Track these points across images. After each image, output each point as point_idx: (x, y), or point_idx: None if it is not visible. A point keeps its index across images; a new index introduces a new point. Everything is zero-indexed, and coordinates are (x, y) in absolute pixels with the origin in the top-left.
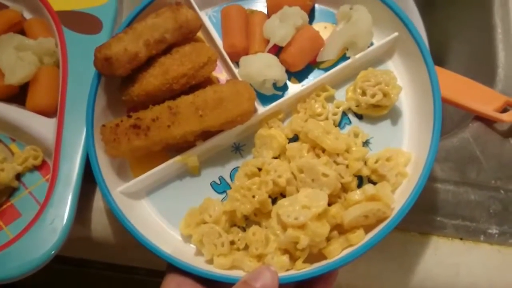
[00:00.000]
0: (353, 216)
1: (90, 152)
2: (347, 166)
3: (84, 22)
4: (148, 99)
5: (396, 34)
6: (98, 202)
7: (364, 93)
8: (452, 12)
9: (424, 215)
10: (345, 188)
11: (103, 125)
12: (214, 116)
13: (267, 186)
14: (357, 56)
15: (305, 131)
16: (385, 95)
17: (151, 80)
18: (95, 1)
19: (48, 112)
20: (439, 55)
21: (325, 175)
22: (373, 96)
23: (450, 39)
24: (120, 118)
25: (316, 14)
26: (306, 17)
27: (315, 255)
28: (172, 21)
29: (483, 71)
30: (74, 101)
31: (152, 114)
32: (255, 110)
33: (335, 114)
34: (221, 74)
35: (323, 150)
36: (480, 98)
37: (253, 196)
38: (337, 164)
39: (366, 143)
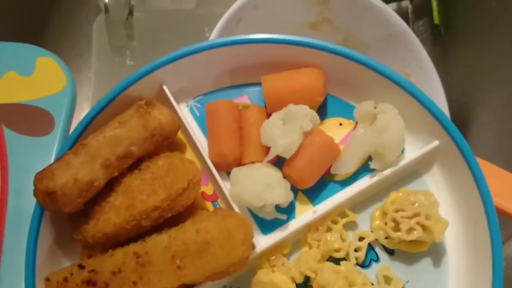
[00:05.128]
0: None
1: None
2: None
3: (31, 118)
4: (109, 240)
5: (436, 143)
6: None
7: (397, 227)
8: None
9: None
10: None
11: (47, 279)
12: (197, 268)
13: None
14: (385, 172)
15: (319, 282)
16: (424, 228)
17: (111, 216)
18: (46, 89)
19: None
20: (460, 120)
21: None
22: (409, 231)
23: (473, 101)
24: (70, 269)
25: (329, 106)
26: (316, 118)
27: None
28: (141, 129)
29: None
30: (14, 237)
31: (112, 265)
32: (253, 247)
33: (358, 249)
34: (206, 188)
35: None
36: None
37: None
38: None
39: None
